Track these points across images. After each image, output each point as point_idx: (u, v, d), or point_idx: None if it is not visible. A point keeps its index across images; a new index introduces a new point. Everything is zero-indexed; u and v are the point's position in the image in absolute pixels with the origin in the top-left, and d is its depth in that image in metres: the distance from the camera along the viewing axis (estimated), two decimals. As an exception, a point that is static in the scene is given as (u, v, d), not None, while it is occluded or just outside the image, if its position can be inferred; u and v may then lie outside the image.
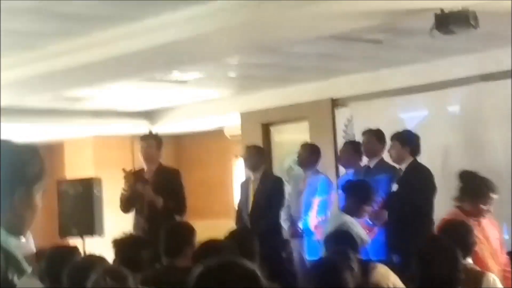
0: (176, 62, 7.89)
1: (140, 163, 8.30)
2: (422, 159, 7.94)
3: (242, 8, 6.02)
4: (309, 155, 8.98)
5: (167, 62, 7.75)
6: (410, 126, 9.52)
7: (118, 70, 7.93)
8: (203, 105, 12.01)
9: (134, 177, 7.98)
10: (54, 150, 13.61)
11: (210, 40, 6.68)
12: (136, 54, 7.05)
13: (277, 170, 11.04)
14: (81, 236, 10.69)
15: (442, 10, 5.94)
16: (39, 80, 8.00)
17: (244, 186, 8.87)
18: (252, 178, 8.75)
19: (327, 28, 6.47)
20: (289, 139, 11.60)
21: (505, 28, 7.64)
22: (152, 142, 8.13)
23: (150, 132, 8.52)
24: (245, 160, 8.91)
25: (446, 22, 5.94)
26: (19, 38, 7.03)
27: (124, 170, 7.97)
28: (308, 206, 8.73)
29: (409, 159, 7.65)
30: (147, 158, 8.08)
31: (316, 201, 8.71)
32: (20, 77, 7.92)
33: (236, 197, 12.58)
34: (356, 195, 6.93)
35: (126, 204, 7.94)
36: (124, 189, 7.95)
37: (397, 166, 7.80)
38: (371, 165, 8.19)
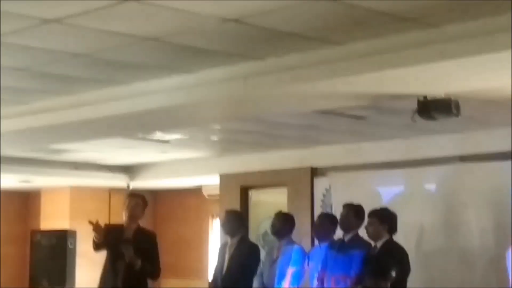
0: (160, 127, 7.95)
1: (116, 216, 8.26)
2: (398, 236, 7.99)
3: (229, 82, 6.10)
4: (284, 225, 8.97)
5: (151, 126, 7.80)
6: (386, 200, 9.62)
7: (101, 130, 7.98)
8: (183, 164, 12.06)
9: (107, 231, 7.95)
10: (30, 199, 13.57)
11: (195, 110, 6.75)
12: (122, 116, 7.10)
13: (253, 233, 11.05)
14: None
15: (425, 97, 6.04)
16: (22, 134, 8.02)
17: (221, 251, 8.86)
18: (229, 243, 8.75)
19: (312, 106, 6.57)
20: (267, 203, 11.64)
21: (485, 112, 7.80)
22: (139, 201, 8.10)
23: (136, 192, 8.53)
24: (223, 225, 8.92)
25: (428, 108, 6.04)
26: (6, 94, 7.07)
27: (90, 222, 7.92)
28: (282, 276, 8.71)
29: (386, 237, 7.68)
30: (132, 216, 8.03)
31: (290, 271, 8.70)
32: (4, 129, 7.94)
33: (211, 256, 12.58)
34: None
35: (99, 247, 7.93)
36: (96, 237, 7.92)
37: (372, 242, 7.83)
38: (346, 239, 8.20)
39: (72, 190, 13.51)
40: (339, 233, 8.42)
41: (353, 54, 5.39)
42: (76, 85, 6.83)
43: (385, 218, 7.71)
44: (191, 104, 6.55)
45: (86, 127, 7.69)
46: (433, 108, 6.03)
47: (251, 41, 5.41)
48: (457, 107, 6.10)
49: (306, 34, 5.25)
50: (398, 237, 7.98)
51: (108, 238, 7.87)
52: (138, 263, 7.70)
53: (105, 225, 8.05)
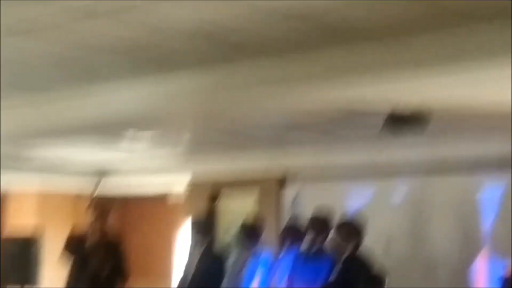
0: (129, 131, 7.93)
1: (83, 222, 8.21)
2: (364, 247, 8.01)
3: (199, 89, 6.08)
4: (251, 233, 8.99)
5: (119, 131, 7.78)
6: (353, 210, 9.67)
7: (69, 134, 7.95)
8: (151, 171, 12.01)
9: (73, 238, 7.94)
10: (-4, 202, 13.44)
11: (165, 115, 6.74)
12: (91, 121, 7.07)
13: (221, 241, 11.02)
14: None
15: (393, 112, 6.07)
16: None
17: (187, 261, 8.85)
18: (195, 252, 8.74)
19: (281, 118, 6.57)
20: (235, 210, 11.63)
21: (453, 126, 7.85)
22: (102, 209, 8.09)
23: (104, 198, 8.51)
24: (191, 233, 8.91)
25: (396, 124, 6.07)
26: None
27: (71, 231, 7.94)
28: (248, 284, 8.72)
29: (351, 250, 7.68)
30: (95, 224, 8.01)
31: (257, 279, 8.71)
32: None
33: (177, 264, 12.55)
34: None
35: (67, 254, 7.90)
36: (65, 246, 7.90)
37: (338, 255, 7.84)
38: (313, 249, 8.22)
39: (40, 195, 13.40)
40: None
41: (322, 68, 5.40)
42: (44, 88, 6.79)
43: (351, 231, 7.71)
44: (160, 108, 6.53)
45: (54, 131, 7.65)
46: (401, 124, 6.07)
47: (220, 48, 5.38)
48: (425, 120, 6.14)
49: (276, 46, 5.25)
50: (364, 249, 8.01)
51: (73, 246, 7.86)
52: (106, 270, 7.68)
53: (70, 233, 8.04)
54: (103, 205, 8.14)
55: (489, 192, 8.73)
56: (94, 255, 7.75)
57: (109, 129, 7.70)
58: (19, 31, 4.92)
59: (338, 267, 7.65)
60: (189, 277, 8.58)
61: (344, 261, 7.59)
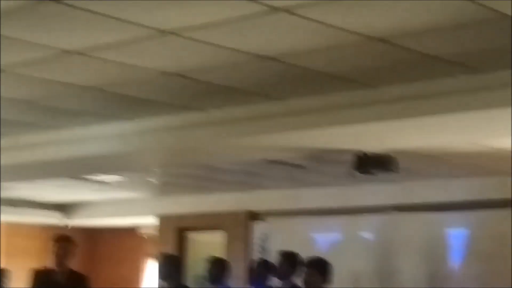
0: (99, 171, 7.92)
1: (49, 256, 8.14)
2: (333, 283, 8.02)
3: (169, 131, 6.12)
4: (219, 271, 8.93)
5: (90, 170, 7.77)
6: (323, 247, 9.70)
7: (40, 173, 7.93)
8: (121, 203, 11.99)
9: (38, 276, 7.85)
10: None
11: (134, 157, 6.76)
12: (61, 160, 7.07)
13: (190, 274, 10.98)
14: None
15: (364, 153, 6.14)
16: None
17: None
18: (165, 285, 8.67)
19: (250, 156, 6.62)
20: (204, 243, 11.61)
21: (421, 165, 7.95)
22: (66, 244, 7.98)
23: (64, 234, 8.42)
24: (159, 269, 8.86)
25: (366, 164, 6.14)
26: None
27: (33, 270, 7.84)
28: (217, 321, 8.68)
29: (322, 287, 7.69)
30: (60, 260, 7.93)
31: (226, 316, 8.67)
32: None
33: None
34: None
35: None
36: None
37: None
38: (285, 286, 8.21)
39: (7, 227, 13.28)
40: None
41: (293, 110, 5.46)
42: (16, 128, 6.79)
43: (322, 269, 7.72)
44: (130, 151, 6.55)
45: (26, 169, 7.63)
46: (371, 164, 6.14)
47: (192, 93, 5.44)
48: (395, 163, 6.23)
49: (247, 89, 5.30)
50: (334, 285, 8.03)
51: (39, 284, 7.76)
52: None
53: (36, 270, 7.93)
54: (66, 238, 8.04)
55: (456, 230, 8.82)
56: None
57: (79, 168, 7.69)
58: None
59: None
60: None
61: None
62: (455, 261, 8.78)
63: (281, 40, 4.23)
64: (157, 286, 9.05)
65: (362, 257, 9.37)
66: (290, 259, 8.18)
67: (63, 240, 7.99)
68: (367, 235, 9.54)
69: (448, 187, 8.76)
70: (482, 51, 4.29)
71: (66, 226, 12.99)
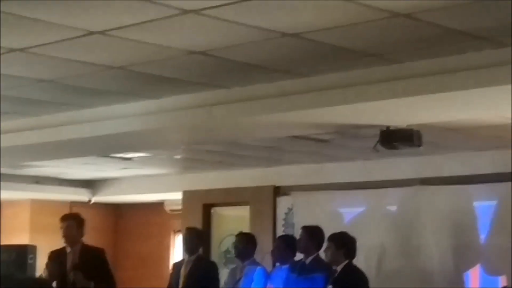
0: (125, 149, 7.95)
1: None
2: (358, 256, 8.00)
3: (194, 109, 6.13)
4: (246, 246, 8.96)
5: (115, 149, 7.81)
6: (347, 221, 9.71)
7: (66, 152, 7.98)
8: (146, 179, 12.04)
9: (52, 258, 7.84)
10: (-10, 212, 13.42)
11: (159, 135, 6.78)
12: (86, 139, 7.11)
13: (215, 251, 11.06)
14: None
15: (387, 127, 6.12)
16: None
17: (177, 267, 8.82)
18: (186, 260, 8.72)
19: (275, 134, 6.62)
20: (229, 219, 11.65)
21: (445, 138, 7.92)
22: (71, 222, 7.91)
23: (70, 213, 8.40)
24: (183, 242, 8.90)
25: (390, 139, 6.13)
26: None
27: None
28: (245, 294, 8.73)
29: (344, 261, 7.67)
30: (68, 239, 7.89)
31: (253, 289, 8.72)
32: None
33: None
34: None
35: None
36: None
37: (332, 266, 7.85)
38: (307, 261, 8.20)
39: (33, 204, 13.40)
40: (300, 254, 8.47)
41: (317, 86, 5.46)
42: (42, 108, 6.84)
43: (342, 243, 7.67)
44: (155, 129, 6.58)
45: (52, 147, 7.68)
46: (395, 139, 6.13)
47: (217, 71, 5.46)
48: (419, 137, 6.21)
49: (272, 66, 5.31)
50: (358, 258, 8.02)
51: (54, 267, 7.73)
52: (92, 285, 7.55)
53: (50, 252, 7.91)
54: (72, 216, 7.98)
55: (483, 202, 8.78)
56: (76, 273, 7.58)
57: (105, 146, 7.74)
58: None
59: (333, 277, 7.66)
60: (180, 284, 8.54)
61: (340, 271, 7.61)
62: (481, 233, 8.75)
63: (305, 17, 4.22)
64: (180, 258, 9.10)
65: (387, 230, 9.36)
66: (313, 234, 8.17)
67: (69, 219, 7.91)
68: (392, 208, 9.52)
69: (474, 160, 8.72)
70: (507, 25, 4.26)
71: (89, 201, 13.10)
